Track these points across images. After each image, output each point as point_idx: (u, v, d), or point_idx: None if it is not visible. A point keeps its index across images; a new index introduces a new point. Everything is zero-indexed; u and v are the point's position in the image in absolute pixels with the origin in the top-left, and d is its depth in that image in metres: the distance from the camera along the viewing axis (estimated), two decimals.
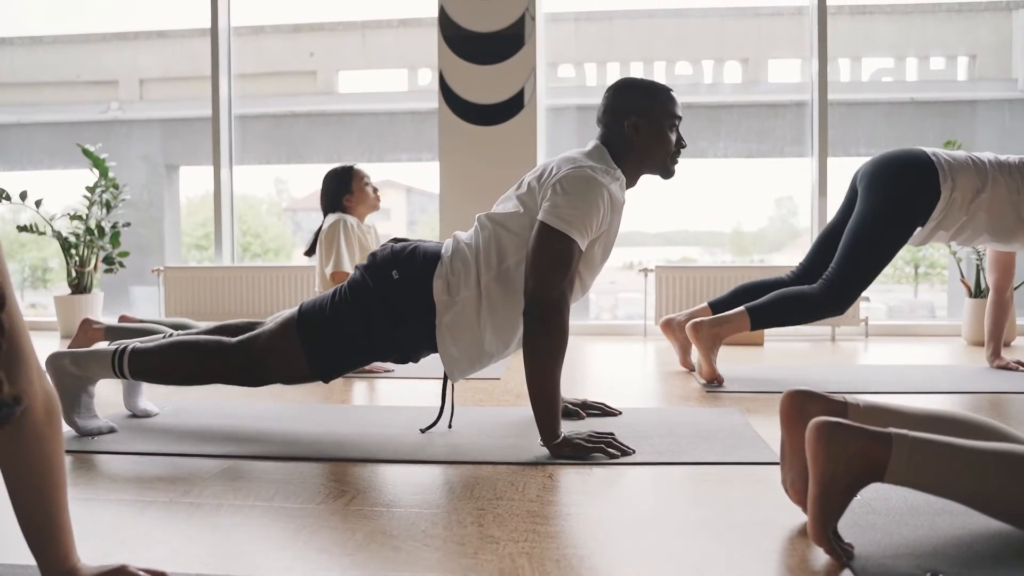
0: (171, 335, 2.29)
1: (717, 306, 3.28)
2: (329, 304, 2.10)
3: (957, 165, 2.95)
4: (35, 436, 1.02)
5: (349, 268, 3.35)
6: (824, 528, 1.23)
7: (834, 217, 3.25)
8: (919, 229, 3.00)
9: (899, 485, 1.23)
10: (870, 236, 2.97)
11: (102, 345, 3.52)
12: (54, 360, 2.15)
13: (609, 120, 2.16)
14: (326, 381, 2.16)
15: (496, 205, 2.18)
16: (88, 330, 3.39)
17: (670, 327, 3.37)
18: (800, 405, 1.38)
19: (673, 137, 2.18)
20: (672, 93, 2.19)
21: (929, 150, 3.00)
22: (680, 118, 2.19)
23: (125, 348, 2.17)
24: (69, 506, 1.08)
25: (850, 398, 1.41)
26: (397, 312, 2.05)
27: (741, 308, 3.03)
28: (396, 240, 2.19)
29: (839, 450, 1.21)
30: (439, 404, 2.32)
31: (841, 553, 1.23)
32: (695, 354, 3.29)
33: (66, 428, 2.12)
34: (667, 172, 2.21)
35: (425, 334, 2.06)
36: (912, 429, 1.28)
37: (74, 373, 2.15)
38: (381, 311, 2.06)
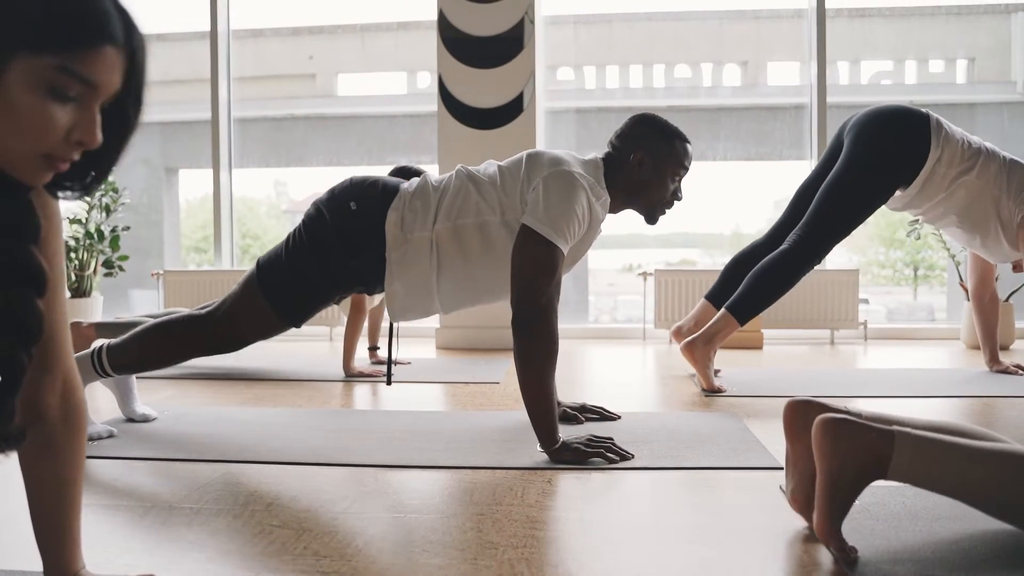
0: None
1: (713, 297, 3.22)
2: (284, 251, 2.13)
3: (953, 136, 2.90)
4: (51, 448, 1.03)
5: None
6: (831, 523, 1.24)
7: (812, 171, 3.17)
8: (900, 191, 2.94)
9: (902, 482, 1.25)
10: (852, 183, 2.89)
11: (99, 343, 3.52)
12: None
13: (619, 145, 2.18)
14: (298, 326, 2.17)
15: (481, 164, 2.20)
16: (79, 331, 3.39)
17: (681, 334, 3.26)
18: (804, 413, 1.39)
19: (671, 187, 2.19)
20: (688, 146, 2.19)
21: (934, 114, 2.94)
22: (686, 170, 2.20)
23: (100, 347, 2.19)
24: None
25: (852, 406, 1.41)
26: (353, 243, 2.07)
27: (723, 311, 2.97)
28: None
29: (846, 444, 1.24)
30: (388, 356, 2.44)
31: (847, 552, 1.24)
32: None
33: None
34: (652, 218, 2.23)
35: (379, 267, 2.09)
36: (940, 434, 1.30)
37: None
38: (337, 243, 2.07)
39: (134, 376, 2.38)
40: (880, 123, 2.93)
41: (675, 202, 2.22)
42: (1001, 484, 1.25)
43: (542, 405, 1.92)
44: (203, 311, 2.19)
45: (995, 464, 1.24)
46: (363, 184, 2.13)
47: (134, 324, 3.32)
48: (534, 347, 1.92)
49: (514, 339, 1.94)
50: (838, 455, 1.24)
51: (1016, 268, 3.26)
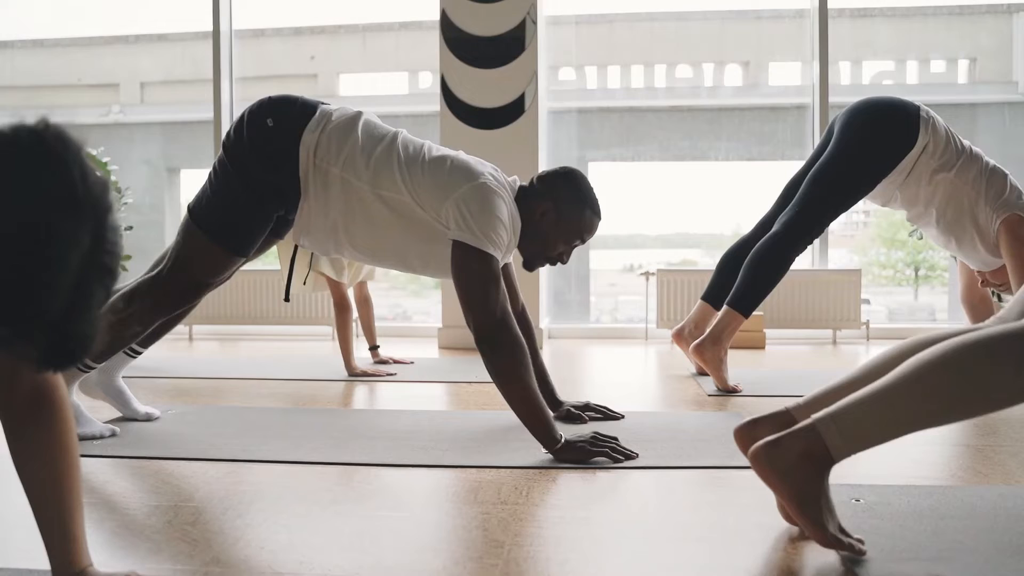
0: None
1: (710, 297, 3.21)
2: (210, 185, 2.12)
3: (939, 130, 2.90)
4: (38, 447, 1.03)
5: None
6: (823, 531, 1.24)
7: (803, 165, 3.17)
8: (885, 181, 2.93)
9: (854, 454, 1.24)
10: (842, 166, 2.89)
11: None
12: None
13: (539, 187, 2.18)
14: (247, 255, 2.15)
15: (419, 141, 2.17)
16: None
17: (682, 337, 3.26)
18: (751, 436, 1.39)
19: (559, 249, 2.19)
20: (597, 221, 2.19)
21: (924, 106, 2.94)
22: (583, 242, 2.20)
23: None
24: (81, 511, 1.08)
25: (790, 403, 1.42)
26: (270, 159, 2.06)
27: (725, 307, 2.96)
28: None
29: (783, 465, 1.24)
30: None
31: (853, 545, 1.24)
32: None
33: None
34: (529, 265, 2.24)
35: (298, 185, 2.07)
36: (853, 393, 1.27)
37: None
38: (255, 160, 2.06)
39: (120, 378, 2.37)
40: (871, 111, 2.94)
41: (558, 263, 2.23)
42: (929, 398, 1.21)
43: (532, 411, 1.92)
44: (152, 273, 2.18)
45: (920, 386, 1.21)
46: (281, 101, 2.12)
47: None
48: (505, 359, 1.93)
49: (483, 356, 1.95)
50: (783, 478, 1.24)
51: (983, 283, 3.23)
